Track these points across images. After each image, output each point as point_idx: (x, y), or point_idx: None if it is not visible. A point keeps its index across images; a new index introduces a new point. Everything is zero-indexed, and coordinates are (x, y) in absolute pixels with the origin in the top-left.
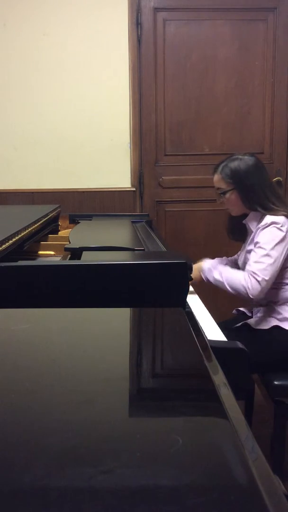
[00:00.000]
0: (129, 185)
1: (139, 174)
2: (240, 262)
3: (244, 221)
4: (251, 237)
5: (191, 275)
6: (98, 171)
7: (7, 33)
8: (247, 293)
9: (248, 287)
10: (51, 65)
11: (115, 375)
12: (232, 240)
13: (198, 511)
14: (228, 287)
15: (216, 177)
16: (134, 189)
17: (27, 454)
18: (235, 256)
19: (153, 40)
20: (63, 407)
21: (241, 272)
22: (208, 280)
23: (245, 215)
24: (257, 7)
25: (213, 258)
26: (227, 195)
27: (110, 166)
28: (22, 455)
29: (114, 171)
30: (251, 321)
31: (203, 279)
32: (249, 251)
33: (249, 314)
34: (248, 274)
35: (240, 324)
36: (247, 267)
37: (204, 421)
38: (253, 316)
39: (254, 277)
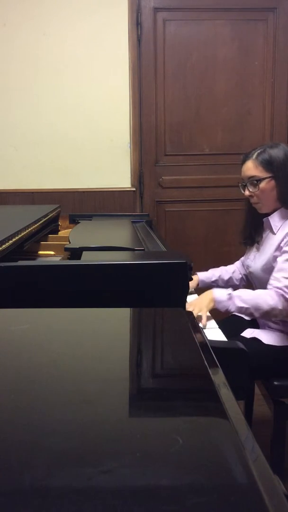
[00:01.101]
0: (129, 185)
1: (139, 174)
2: (254, 266)
3: (265, 219)
4: (277, 243)
5: (197, 311)
6: (98, 171)
7: (7, 33)
8: (280, 313)
9: (279, 308)
10: (51, 65)
11: (115, 375)
12: (244, 245)
13: (198, 511)
14: (255, 313)
15: (250, 163)
16: (134, 189)
17: (27, 454)
18: (237, 263)
19: (153, 40)
20: (63, 407)
21: (264, 292)
22: (226, 310)
23: (263, 215)
24: (257, 7)
25: (213, 258)
26: (262, 184)
27: (110, 166)
28: (22, 455)
29: (114, 171)
30: (260, 334)
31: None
32: (269, 257)
33: (248, 318)
34: (275, 291)
35: (249, 337)
36: (273, 281)
37: (204, 421)
38: (261, 327)
39: (284, 295)
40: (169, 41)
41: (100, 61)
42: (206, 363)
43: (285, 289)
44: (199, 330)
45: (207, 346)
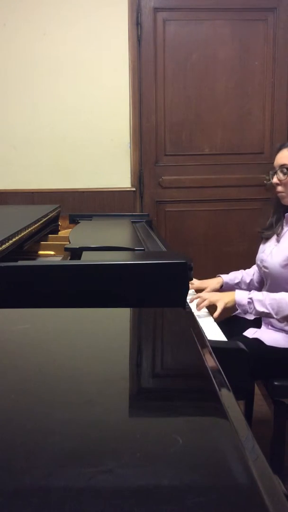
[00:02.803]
0: (129, 185)
1: (139, 174)
2: (271, 262)
3: (287, 214)
4: None
5: (220, 303)
6: (98, 171)
7: (7, 33)
8: None
9: None
10: (51, 65)
11: (115, 375)
12: (262, 236)
13: (198, 511)
14: (276, 317)
15: (286, 151)
16: (134, 189)
17: (27, 454)
18: (254, 266)
19: (153, 40)
20: (63, 407)
21: (283, 294)
22: (247, 312)
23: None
24: (257, 7)
25: (213, 258)
26: None
27: (110, 166)
28: (22, 455)
29: (114, 171)
30: (262, 335)
31: (232, 305)
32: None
33: (250, 318)
34: None
35: (251, 337)
36: None
37: (204, 421)
38: (263, 327)
39: None
40: (169, 41)
41: (100, 61)
42: (206, 363)
43: None
44: (199, 330)
45: (207, 346)
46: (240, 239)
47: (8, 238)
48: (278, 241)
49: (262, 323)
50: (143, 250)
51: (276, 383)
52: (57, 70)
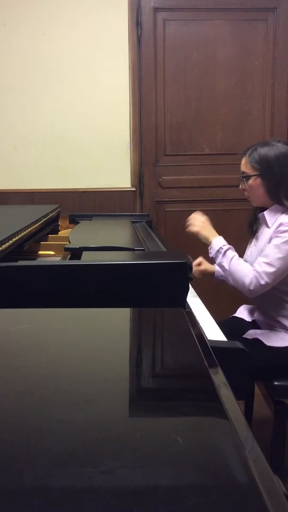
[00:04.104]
0: (129, 185)
1: (139, 174)
2: (250, 261)
3: (260, 214)
4: (269, 235)
5: (196, 228)
6: (98, 171)
7: (7, 33)
8: (246, 291)
9: (250, 288)
10: (51, 65)
11: (115, 375)
12: (250, 234)
13: (198, 511)
14: (230, 279)
15: (243, 160)
16: (134, 189)
17: (27, 454)
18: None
19: (153, 40)
20: (63, 407)
21: (247, 270)
22: (212, 257)
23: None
24: (257, 7)
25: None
26: (250, 181)
27: (110, 166)
28: (22, 455)
29: (114, 171)
30: (262, 336)
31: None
32: (265, 246)
33: (248, 320)
34: (254, 274)
35: (251, 338)
36: (256, 265)
37: (204, 421)
38: (262, 328)
39: (259, 280)
40: (169, 41)
41: (100, 61)
42: (206, 363)
43: (262, 274)
44: (199, 330)
45: (207, 346)
46: (240, 239)
47: (8, 238)
48: (256, 241)
49: (261, 325)
50: (143, 250)
51: (276, 383)
52: (57, 70)
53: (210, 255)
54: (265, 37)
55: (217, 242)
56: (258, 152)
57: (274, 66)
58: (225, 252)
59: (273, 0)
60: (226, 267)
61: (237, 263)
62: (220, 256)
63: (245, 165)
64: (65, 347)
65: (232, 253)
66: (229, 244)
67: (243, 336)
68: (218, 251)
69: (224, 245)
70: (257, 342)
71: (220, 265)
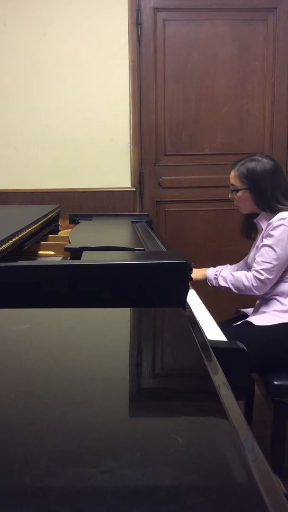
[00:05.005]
0: (129, 185)
1: (139, 174)
2: (249, 260)
3: (255, 220)
4: (261, 235)
5: (192, 276)
6: (98, 171)
7: (7, 33)
8: (253, 291)
9: (252, 286)
10: (51, 65)
11: (115, 375)
12: (244, 237)
13: (198, 511)
14: (235, 291)
15: (232, 173)
16: (134, 189)
17: (27, 454)
18: (240, 263)
19: (153, 40)
20: (63, 407)
21: (242, 273)
22: (215, 287)
23: (256, 214)
24: (257, 7)
25: (213, 258)
26: (239, 193)
27: (110, 166)
28: (22, 455)
29: (114, 171)
30: (252, 318)
31: (203, 279)
32: (259, 248)
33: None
34: (251, 273)
35: (240, 322)
36: (255, 264)
37: (204, 421)
38: (254, 312)
39: (257, 277)
40: (169, 41)
41: (100, 61)
42: (206, 363)
43: (260, 271)
44: (199, 330)
45: (207, 346)
46: (240, 239)
47: (8, 238)
48: (255, 244)
49: (252, 310)
50: (143, 250)
51: (276, 383)
52: (57, 70)
53: (211, 285)
54: (265, 37)
55: (210, 272)
56: (246, 166)
57: (274, 66)
58: (219, 275)
59: (273, 0)
60: (227, 284)
61: (232, 275)
62: (218, 279)
63: (234, 178)
64: (65, 347)
65: (225, 272)
66: (229, 244)
67: (233, 325)
68: (214, 278)
69: (216, 271)
70: (246, 325)
71: (223, 287)
